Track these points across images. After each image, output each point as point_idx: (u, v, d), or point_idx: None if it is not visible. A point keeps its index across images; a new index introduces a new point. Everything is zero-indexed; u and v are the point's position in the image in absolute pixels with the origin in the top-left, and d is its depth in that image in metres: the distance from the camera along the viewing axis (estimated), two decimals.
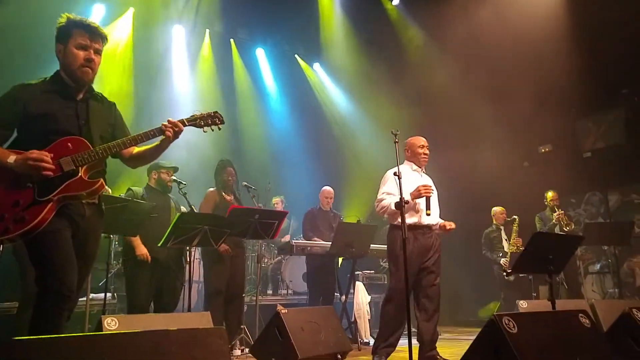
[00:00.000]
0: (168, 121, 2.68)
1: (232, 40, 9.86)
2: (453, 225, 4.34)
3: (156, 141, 2.76)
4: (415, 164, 4.49)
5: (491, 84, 8.16)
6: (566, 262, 3.83)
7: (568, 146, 8.73)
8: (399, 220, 4.06)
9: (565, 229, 6.71)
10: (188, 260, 4.73)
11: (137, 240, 4.70)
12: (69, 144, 2.51)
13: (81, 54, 2.59)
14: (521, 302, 5.02)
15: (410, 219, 4.16)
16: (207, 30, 9.38)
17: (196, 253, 6.08)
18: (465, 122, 8.18)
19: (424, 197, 4.11)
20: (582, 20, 7.50)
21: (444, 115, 8.45)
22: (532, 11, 7.79)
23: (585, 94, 7.98)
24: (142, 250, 4.66)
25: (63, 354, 1.69)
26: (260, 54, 10.33)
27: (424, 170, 4.51)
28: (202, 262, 5.98)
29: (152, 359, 1.84)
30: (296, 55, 10.61)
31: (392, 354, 4.97)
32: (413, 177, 4.38)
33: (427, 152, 4.46)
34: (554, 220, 6.82)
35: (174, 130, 2.67)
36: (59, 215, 2.45)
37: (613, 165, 8.04)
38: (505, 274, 3.87)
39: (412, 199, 4.12)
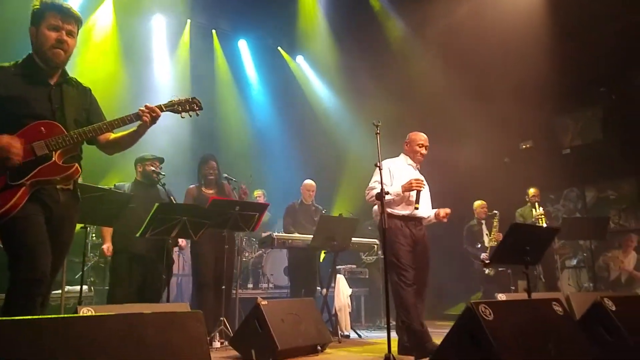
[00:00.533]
0: (145, 106, 2.65)
1: (213, 31, 9.74)
2: (448, 211, 4.39)
3: (133, 127, 2.72)
4: (411, 158, 4.53)
5: (472, 80, 8.24)
6: (542, 253, 3.90)
7: (548, 143, 8.86)
8: (392, 209, 4.22)
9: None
10: (172, 251, 4.72)
11: (107, 234, 4.69)
12: (42, 128, 2.45)
13: (53, 34, 2.55)
14: (500, 295, 5.09)
15: (403, 210, 4.26)
16: (189, 21, 9.27)
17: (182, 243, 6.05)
18: (446, 118, 8.24)
19: (415, 191, 4.17)
20: (561, 19, 7.60)
21: (425, 110, 8.50)
22: (512, 9, 7.87)
23: (564, 91, 8.13)
24: (106, 244, 4.70)
25: (36, 335, 1.66)
26: (243, 45, 10.22)
27: (418, 166, 4.56)
28: (181, 257, 5.99)
29: (128, 342, 1.81)
30: (279, 48, 10.54)
31: (373, 346, 5.03)
32: (407, 170, 4.42)
33: (424, 152, 4.51)
34: (533, 219, 6.92)
35: (151, 116, 2.63)
36: (32, 201, 2.41)
37: (590, 161, 8.19)
38: (483, 265, 3.92)
39: (403, 192, 4.18)
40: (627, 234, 7.88)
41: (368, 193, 4.32)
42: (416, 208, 4.20)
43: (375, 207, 4.38)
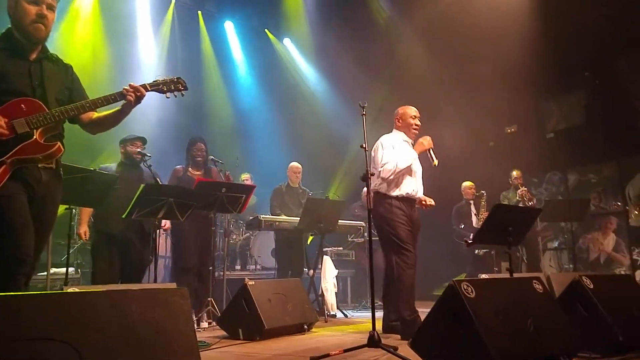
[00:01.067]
0: (130, 85, 2.62)
1: (199, 12, 9.63)
2: (432, 203, 4.36)
3: (117, 106, 2.69)
4: (406, 134, 4.40)
5: (458, 65, 8.29)
6: (524, 234, 3.96)
7: (532, 127, 8.96)
8: (395, 189, 4.18)
9: (528, 205, 6.94)
10: (155, 234, 4.71)
11: (84, 216, 4.66)
12: (22, 105, 2.40)
13: (33, 9, 2.48)
14: (483, 275, 5.19)
15: (405, 190, 4.21)
16: (173, 1, 9.14)
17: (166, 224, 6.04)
18: (433, 102, 8.27)
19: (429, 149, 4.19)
20: (546, 4, 7.65)
21: (411, 93, 8.51)
22: None
23: (549, 76, 8.20)
24: (83, 227, 4.68)
25: (21, 312, 1.65)
26: (229, 27, 10.10)
27: (413, 142, 4.42)
28: (170, 238, 5.97)
29: (112, 317, 1.81)
30: (266, 30, 10.46)
31: (359, 325, 5.12)
32: (404, 148, 4.31)
33: (419, 123, 4.39)
34: (517, 197, 7.05)
35: (135, 95, 2.61)
36: (14, 179, 2.36)
37: (573, 146, 8.30)
38: (466, 245, 3.98)
39: (419, 153, 4.20)
40: (606, 217, 8.04)
41: (384, 171, 4.15)
42: (435, 164, 4.20)
43: (381, 186, 4.27)
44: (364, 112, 3.79)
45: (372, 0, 9.59)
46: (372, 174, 3.67)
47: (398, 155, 4.18)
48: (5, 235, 2.31)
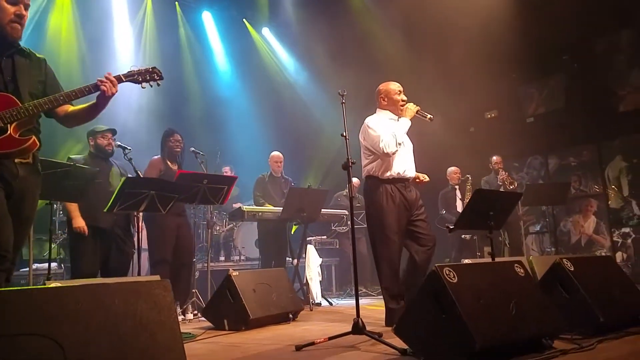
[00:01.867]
0: (105, 76, 2.57)
1: (176, 2, 9.51)
2: (427, 179, 4.26)
3: (93, 99, 2.64)
4: (391, 112, 4.24)
5: (437, 51, 8.28)
6: (506, 218, 3.99)
7: (512, 112, 9.02)
8: (386, 172, 4.05)
9: (509, 188, 7.01)
10: (135, 227, 4.66)
11: (75, 211, 4.53)
12: None
13: (11, 8, 2.45)
14: (466, 260, 5.24)
15: (396, 170, 4.06)
16: None
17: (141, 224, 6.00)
18: (412, 88, 8.23)
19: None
20: None
21: (391, 79, 8.52)
22: None
23: (528, 60, 8.26)
24: (78, 222, 4.50)
25: (3, 307, 1.64)
26: (207, 17, 10.00)
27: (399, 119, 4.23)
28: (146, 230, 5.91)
29: (95, 311, 1.80)
30: (244, 20, 10.36)
31: (344, 313, 5.14)
32: (391, 126, 4.12)
33: (405, 97, 4.24)
34: (498, 182, 7.11)
35: (110, 85, 2.55)
36: None
37: (553, 129, 8.38)
38: (448, 230, 3.97)
39: (411, 118, 4.10)
40: (586, 199, 8.15)
41: (379, 148, 3.96)
42: (431, 119, 4.14)
43: (372, 164, 4.13)
44: (343, 101, 3.75)
45: None
46: (354, 163, 3.63)
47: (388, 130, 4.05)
48: None
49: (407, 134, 4.20)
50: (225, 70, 10.10)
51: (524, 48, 7.85)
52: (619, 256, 7.56)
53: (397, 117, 4.23)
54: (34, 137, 2.46)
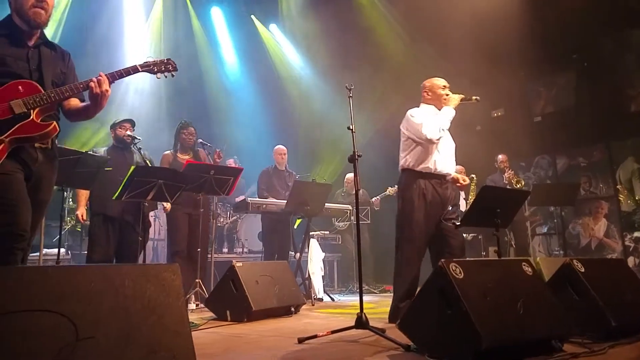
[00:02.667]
0: (100, 74, 2.62)
1: None
2: (467, 181, 4.15)
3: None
4: (436, 107, 4.14)
5: (444, 48, 8.19)
6: (512, 216, 3.91)
7: (520, 110, 8.90)
8: (421, 165, 3.93)
9: (516, 187, 6.92)
10: (143, 216, 4.69)
11: (81, 199, 4.70)
12: (20, 87, 2.48)
13: None
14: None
15: (432, 165, 3.94)
16: None
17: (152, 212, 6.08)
18: (417, 84, 8.22)
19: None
20: None
21: (398, 78, 8.46)
22: None
23: (537, 58, 8.15)
24: (80, 210, 4.72)
25: (19, 284, 1.70)
26: (216, 12, 10.10)
27: None
28: (157, 221, 6.00)
29: (106, 292, 1.85)
30: (252, 16, 10.39)
31: (346, 309, 5.10)
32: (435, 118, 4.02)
33: (449, 93, 4.15)
34: (504, 181, 7.03)
35: (99, 85, 2.59)
36: (11, 158, 2.43)
37: (562, 129, 8.28)
38: (454, 227, 3.90)
39: (455, 106, 3.99)
40: (597, 201, 8.00)
41: (421, 136, 3.86)
42: (477, 100, 4.08)
43: (409, 155, 4.01)
44: (351, 95, 3.73)
45: None
46: (360, 155, 3.58)
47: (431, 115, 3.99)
48: (2, 212, 2.37)
49: (450, 133, 4.13)
50: (232, 64, 10.21)
51: (532, 46, 7.76)
52: (630, 261, 7.34)
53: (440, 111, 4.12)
54: (54, 123, 2.56)
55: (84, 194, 4.81)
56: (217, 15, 10.13)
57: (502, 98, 8.79)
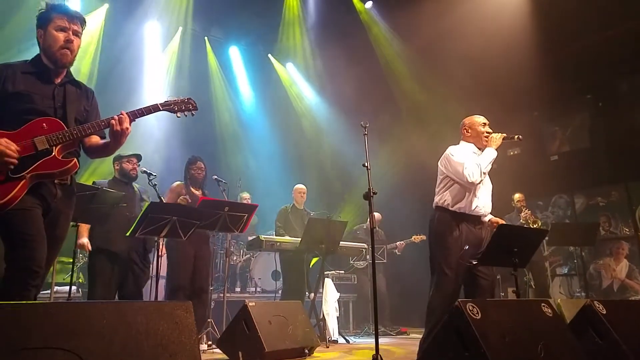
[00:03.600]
0: (121, 113, 2.67)
1: (206, 38, 9.85)
2: (502, 221, 4.03)
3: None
4: (476, 145, 4.04)
5: (459, 88, 8.26)
6: (530, 255, 3.84)
7: (536, 150, 8.87)
8: (459, 203, 3.82)
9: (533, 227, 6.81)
10: (156, 253, 4.65)
11: (83, 231, 4.55)
12: (44, 124, 2.53)
13: (61, 35, 2.65)
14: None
15: (468, 204, 3.82)
16: (180, 28, 9.32)
17: (163, 248, 5.99)
18: (434, 126, 8.25)
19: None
20: (548, 28, 7.65)
21: (413, 116, 8.52)
22: (498, 18, 7.87)
23: (552, 99, 8.23)
24: (82, 240, 4.53)
25: (29, 321, 1.70)
26: (234, 52, 10.35)
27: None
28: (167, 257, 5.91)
29: (118, 328, 1.84)
30: (269, 55, 10.63)
31: (362, 351, 4.97)
32: (475, 157, 3.93)
33: (490, 130, 4.04)
34: (521, 220, 6.93)
35: (119, 123, 2.63)
36: (31, 194, 2.46)
37: (578, 168, 8.23)
38: (470, 266, 3.80)
39: (497, 148, 3.87)
40: (617, 242, 7.85)
41: (463, 178, 3.77)
42: (519, 139, 3.94)
43: (445, 194, 3.90)
44: (366, 132, 3.76)
45: (373, 24, 9.68)
46: (375, 193, 3.56)
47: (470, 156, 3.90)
48: (20, 246, 2.39)
49: (488, 174, 4.02)
50: (249, 102, 10.39)
51: (547, 87, 7.82)
52: None
53: (480, 150, 4.03)
54: (74, 160, 2.61)
55: (86, 227, 4.66)
56: (235, 54, 10.36)
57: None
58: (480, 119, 4.12)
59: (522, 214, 6.99)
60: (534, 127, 8.87)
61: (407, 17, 8.51)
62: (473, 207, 3.84)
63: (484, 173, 3.82)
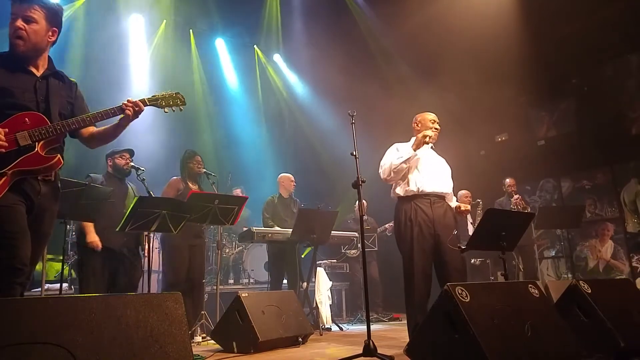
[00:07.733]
0: (128, 100, 2.65)
1: (190, 30, 9.75)
2: (468, 208, 4.22)
3: (115, 120, 2.72)
4: None
5: (447, 76, 8.30)
6: (518, 239, 3.90)
7: (523, 135, 8.98)
8: (402, 188, 4.09)
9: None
10: (146, 248, 4.65)
11: (89, 227, 4.54)
12: (26, 119, 2.45)
13: (11, 24, 2.52)
14: None
15: (412, 187, 4.05)
16: (165, 21, 9.23)
17: (155, 242, 6.00)
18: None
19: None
20: (534, 14, 7.71)
21: (402, 104, 8.53)
22: (484, 6, 7.92)
23: (538, 84, 8.30)
24: (92, 237, 4.50)
25: (17, 316, 1.69)
26: (220, 44, 10.27)
27: (432, 145, 4.31)
28: (161, 253, 5.91)
29: (108, 322, 1.83)
30: (255, 46, 10.59)
31: (354, 338, 5.03)
32: (421, 150, 4.16)
33: (438, 127, 4.28)
34: (512, 206, 7.01)
35: (134, 110, 2.64)
36: (13, 190, 2.40)
37: (565, 152, 8.34)
38: (460, 251, 3.88)
39: (416, 149, 4.05)
40: (603, 223, 8.00)
41: (382, 174, 4.14)
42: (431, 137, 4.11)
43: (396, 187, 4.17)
44: (353, 121, 3.80)
45: (360, 15, 9.68)
46: (363, 181, 3.61)
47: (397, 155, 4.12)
48: (3, 244, 2.33)
49: (443, 157, 4.34)
50: (236, 94, 10.30)
51: (533, 73, 7.89)
52: (638, 283, 7.28)
53: (428, 143, 4.24)
54: (58, 156, 2.54)
55: (91, 224, 4.63)
56: (221, 46, 10.27)
57: (506, 123, 8.88)
58: (430, 116, 4.33)
59: (513, 199, 7.07)
60: (521, 113, 8.98)
61: (393, 7, 8.52)
62: (419, 187, 4.05)
63: (394, 171, 4.06)
